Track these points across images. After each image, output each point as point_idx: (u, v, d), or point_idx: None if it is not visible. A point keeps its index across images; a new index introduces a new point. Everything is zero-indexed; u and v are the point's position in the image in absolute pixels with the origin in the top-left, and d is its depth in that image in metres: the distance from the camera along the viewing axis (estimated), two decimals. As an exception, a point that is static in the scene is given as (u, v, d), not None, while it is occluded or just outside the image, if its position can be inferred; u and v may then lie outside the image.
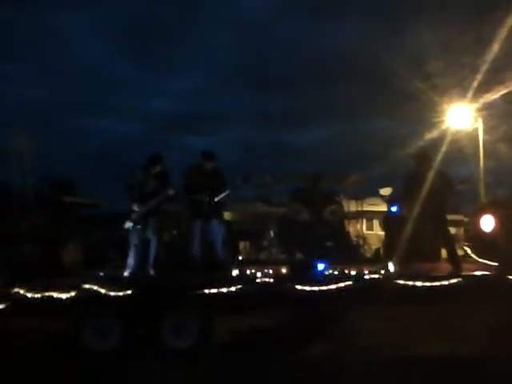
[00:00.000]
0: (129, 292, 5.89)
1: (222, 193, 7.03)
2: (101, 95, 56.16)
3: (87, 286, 5.92)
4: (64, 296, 5.84)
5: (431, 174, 6.65)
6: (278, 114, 50.76)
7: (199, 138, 49.53)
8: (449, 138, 12.69)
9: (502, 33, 11.37)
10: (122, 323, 5.93)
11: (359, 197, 9.43)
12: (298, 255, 7.95)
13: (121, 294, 5.87)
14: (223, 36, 56.32)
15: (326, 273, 6.58)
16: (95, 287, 5.91)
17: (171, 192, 6.79)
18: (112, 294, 5.87)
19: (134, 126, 50.55)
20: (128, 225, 6.70)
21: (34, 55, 51.03)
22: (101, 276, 6.77)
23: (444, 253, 7.35)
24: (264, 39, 47.86)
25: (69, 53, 51.42)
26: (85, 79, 52.16)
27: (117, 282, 6.17)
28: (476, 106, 15.04)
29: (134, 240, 6.74)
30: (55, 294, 5.85)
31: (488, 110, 15.07)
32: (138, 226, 6.72)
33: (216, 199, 7.00)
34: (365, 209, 12.41)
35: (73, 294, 5.84)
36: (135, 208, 6.71)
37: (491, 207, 7.60)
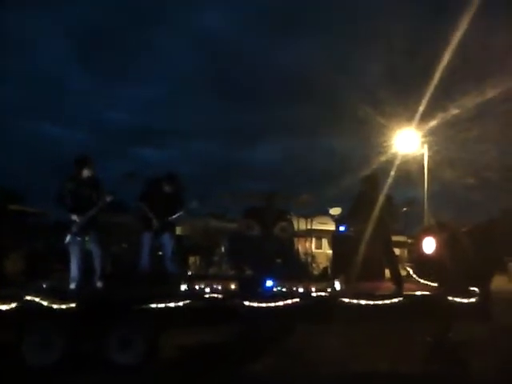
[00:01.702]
0: (73, 305, 5.74)
1: (176, 213, 7.06)
2: (56, 103, 54.67)
3: (29, 298, 5.74)
4: (4, 307, 5.63)
5: (378, 197, 6.90)
6: (235, 130, 51.08)
7: (155, 151, 49.08)
8: (397, 161, 13.23)
9: (444, 62, 12.02)
10: (65, 337, 5.78)
11: (309, 215, 9.61)
12: (248, 271, 7.99)
13: (64, 306, 5.72)
14: (184, 49, 56.38)
15: (275, 289, 6.64)
16: (37, 299, 5.73)
17: (109, 199, 6.57)
18: (55, 306, 5.70)
19: (88, 135, 49.43)
20: (68, 238, 6.49)
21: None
22: (44, 287, 6.56)
23: (388, 272, 7.60)
24: (225, 53, 48.21)
25: (26, 56, 49.99)
26: (38, 84, 50.75)
27: (61, 295, 5.99)
28: (422, 131, 15.77)
29: (74, 252, 6.50)
30: (-5, 305, 5.63)
31: (433, 136, 15.84)
32: (79, 238, 6.51)
33: (169, 218, 7.01)
34: (314, 227, 12.62)
35: (14, 305, 5.64)
36: (73, 219, 6.48)
37: (433, 230, 7.89)
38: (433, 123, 14.82)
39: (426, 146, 16.92)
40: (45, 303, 5.73)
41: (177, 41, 54.91)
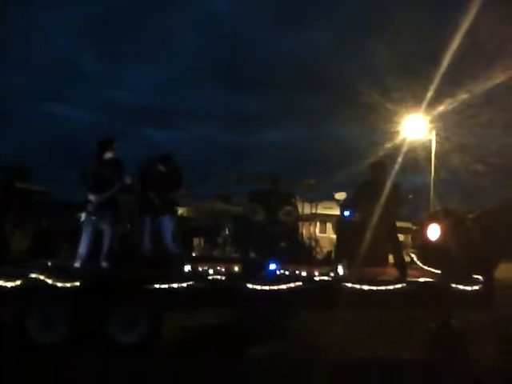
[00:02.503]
0: (77, 284, 5.77)
1: (174, 192, 7.03)
2: (64, 84, 54.69)
3: (34, 275, 5.77)
4: (9, 284, 5.67)
5: (385, 184, 6.85)
6: (242, 115, 50.94)
7: (161, 132, 49.05)
8: (404, 147, 13.11)
9: (453, 47, 11.83)
10: (69, 316, 5.82)
11: (314, 200, 9.58)
12: (252, 254, 8.01)
13: (68, 285, 5.75)
14: (192, 33, 55.98)
15: (278, 273, 6.66)
16: (42, 277, 5.77)
17: (128, 181, 6.66)
18: (59, 284, 5.74)
19: (97, 115, 49.56)
20: (83, 216, 6.53)
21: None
22: (49, 265, 6.61)
23: (391, 258, 7.59)
24: (234, 40, 47.88)
25: (34, 42, 49.80)
26: (49, 69, 50.65)
27: (66, 273, 6.02)
28: (430, 117, 15.63)
29: (87, 231, 6.57)
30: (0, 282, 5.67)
31: (441, 122, 15.69)
32: (94, 217, 6.56)
33: (168, 197, 6.98)
34: (319, 212, 12.61)
35: (18, 282, 5.68)
36: (91, 198, 6.55)
37: (439, 216, 7.84)
38: (441, 109, 14.68)
39: (433, 132, 16.78)
40: (49, 281, 5.75)
41: (188, 26, 54.45)
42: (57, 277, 5.82)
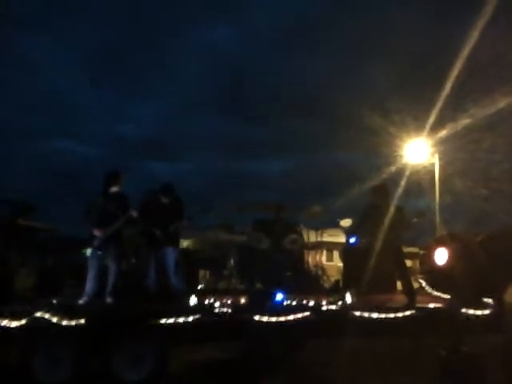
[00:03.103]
0: (82, 321, 5.71)
1: (176, 224, 7.01)
2: (65, 120, 55.55)
3: (39, 314, 5.72)
4: (14, 324, 5.62)
5: (389, 208, 6.83)
6: (242, 144, 51.39)
7: (163, 164, 49.41)
8: (407, 172, 13.12)
9: (455, 71, 11.97)
10: (75, 354, 5.74)
11: (319, 227, 9.55)
12: (258, 284, 7.94)
13: (73, 323, 5.69)
14: (192, 64, 56.96)
15: (285, 303, 6.58)
16: (47, 315, 5.71)
17: (134, 214, 6.66)
18: (64, 323, 5.68)
19: (98, 150, 50.03)
20: (89, 251, 6.53)
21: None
22: (54, 304, 6.56)
23: (399, 285, 7.50)
24: (234, 71, 48.71)
25: (35, 77, 50.92)
26: (50, 103, 51.62)
27: (70, 311, 5.96)
28: (432, 141, 15.69)
29: (94, 266, 6.56)
30: (4, 322, 5.62)
31: (443, 146, 15.75)
32: (99, 252, 6.55)
33: (170, 229, 6.95)
34: (325, 239, 12.53)
35: (23, 321, 5.63)
36: (96, 233, 6.54)
37: (446, 241, 7.79)
38: (443, 133, 14.74)
39: (436, 156, 16.81)
40: (54, 319, 5.70)
41: (187, 57, 55.57)
42: (61, 315, 5.76)
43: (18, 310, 5.92)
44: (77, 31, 53.95)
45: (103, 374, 5.76)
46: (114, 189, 6.73)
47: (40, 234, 11.04)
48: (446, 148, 15.98)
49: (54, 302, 6.63)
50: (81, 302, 6.44)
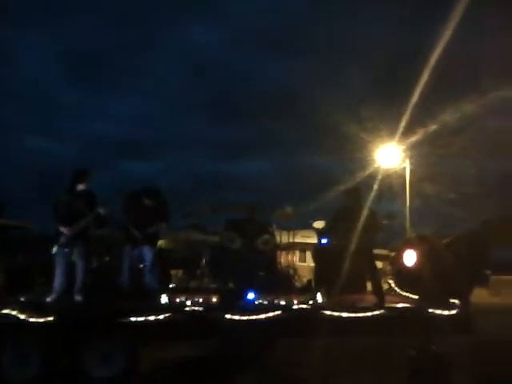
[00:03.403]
0: (50, 318, 5.64)
1: (156, 226, 7.00)
2: (44, 116, 54.53)
3: (6, 311, 5.62)
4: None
5: (361, 211, 6.95)
6: (224, 144, 51.37)
7: (143, 164, 48.93)
8: (379, 176, 13.34)
9: (424, 77, 12.24)
10: (43, 352, 5.66)
11: (292, 228, 9.64)
12: (230, 284, 7.96)
13: (41, 320, 5.61)
14: (172, 63, 56.69)
15: (256, 302, 6.62)
16: (14, 312, 5.62)
17: (101, 211, 6.61)
18: (32, 320, 5.59)
19: (73, 148, 49.22)
20: (55, 248, 6.46)
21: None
22: (22, 301, 6.46)
23: (369, 285, 7.62)
24: (210, 71, 48.65)
25: (13, 73, 49.84)
26: (27, 100, 50.59)
27: (39, 308, 5.89)
28: (403, 146, 16.03)
29: (61, 264, 6.48)
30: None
31: (414, 151, 16.10)
32: (66, 250, 6.48)
33: (149, 230, 6.93)
34: (298, 240, 12.63)
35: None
36: (62, 230, 6.48)
37: (414, 243, 7.95)
38: (414, 138, 15.08)
39: (407, 161, 17.15)
40: (22, 316, 5.61)
41: (165, 57, 55.30)
42: (30, 312, 5.68)
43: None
44: (54, 26, 53.07)
45: (73, 371, 5.70)
46: (81, 186, 6.65)
47: (11, 232, 10.85)
48: (417, 153, 16.35)
49: (22, 299, 6.54)
50: (49, 299, 6.36)
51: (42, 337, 5.65)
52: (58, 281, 6.44)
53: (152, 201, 6.99)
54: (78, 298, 6.48)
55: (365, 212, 6.95)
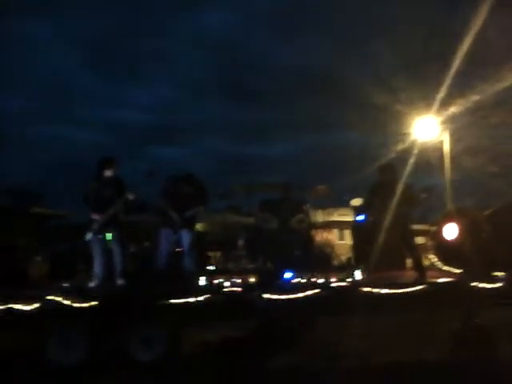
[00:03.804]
0: (94, 303, 5.77)
1: (194, 210, 7.03)
2: (72, 106, 55.73)
3: (50, 298, 5.79)
4: (27, 308, 5.70)
5: (396, 185, 6.79)
6: (250, 127, 51.23)
7: (168, 149, 49.50)
8: (416, 149, 12.97)
9: (464, 47, 11.74)
10: (88, 336, 5.81)
11: (328, 207, 9.56)
12: (267, 264, 7.97)
13: (85, 305, 5.75)
14: (193, 48, 56.74)
15: (294, 281, 6.61)
16: (59, 298, 5.79)
17: (131, 197, 6.69)
18: (76, 305, 5.74)
19: (107, 137, 50.17)
20: (89, 235, 6.60)
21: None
22: (66, 287, 6.66)
23: (409, 261, 7.49)
24: (235, 53, 48.35)
25: (35, 63, 50.94)
26: (51, 89, 51.71)
27: (82, 294, 6.04)
28: (441, 118, 15.46)
29: (97, 250, 6.63)
30: (18, 306, 5.70)
31: (453, 123, 15.53)
32: (100, 236, 6.62)
33: (187, 214, 6.97)
34: (336, 219, 12.56)
35: (36, 305, 5.70)
36: (94, 217, 6.60)
37: (455, 216, 7.76)
38: (453, 110, 14.51)
39: (446, 133, 16.60)
40: (66, 302, 5.76)
41: (187, 41, 55.33)
42: (73, 297, 5.84)
43: (31, 295, 6.00)
44: (76, 16, 53.82)
45: (117, 355, 5.83)
46: (108, 173, 6.73)
47: (51, 221, 11.22)
48: (456, 125, 15.76)
49: (66, 285, 6.74)
50: (92, 284, 6.53)
51: (87, 321, 5.79)
52: (97, 267, 6.60)
53: (191, 187, 7.02)
54: (120, 282, 6.63)
55: (400, 186, 6.79)
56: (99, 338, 5.85)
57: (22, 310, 5.68)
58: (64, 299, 5.78)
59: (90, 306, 5.76)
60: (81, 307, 5.74)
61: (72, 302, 5.76)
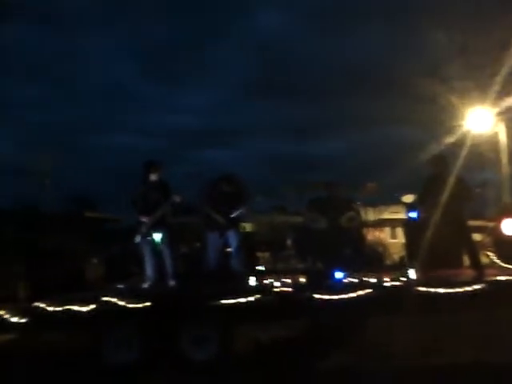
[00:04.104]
0: (147, 304, 5.89)
1: (238, 210, 7.07)
2: (122, 113, 57.50)
3: (106, 299, 5.96)
4: (84, 309, 5.88)
5: (448, 179, 6.55)
6: (298, 127, 51.04)
7: (221, 152, 50.16)
8: (468, 142, 12.44)
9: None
10: (141, 335, 5.93)
11: (378, 204, 9.34)
12: (317, 264, 7.87)
13: (140, 305, 5.88)
14: (243, 50, 57.20)
15: (345, 281, 6.50)
16: (114, 299, 5.94)
17: (177, 199, 6.79)
18: (130, 306, 5.88)
19: (158, 142, 51.45)
20: (137, 238, 6.73)
21: (57, 77, 52.62)
22: (120, 289, 6.84)
23: (466, 259, 7.19)
24: (283, 52, 48.33)
25: (90, 74, 52.87)
26: (107, 99, 53.54)
27: (136, 294, 6.18)
28: (497, 109, 14.78)
29: (146, 252, 6.79)
30: (75, 307, 5.89)
31: (509, 114, 14.82)
32: (148, 238, 6.74)
33: (232, 215, 7.02)
34: (387, 217, 12.27)
35: (91, 306, 5.87)
36: (143, 220, 6.72)
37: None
38: (509, 101, 13.86)
39: (501, 125, 15.86)
40: (121, 303, 5.91)
41: (237, 42, 55.86)
42: (128, 299, 5.97)
43: (87, 296, 6.20)
44: (129, 27, 55.43)
45: (172, 355, 5.91)
46: (153, 177, 6.83)
47: (106, 225, 11.57)
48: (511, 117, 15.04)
49: (120, 287, 6.92)
50: (145, 285, 6.67)
51: (141, 321, 5.90)
52: (148, 268, 6.76)
53: (230, 186, 7.05)
54: (172, 283, 6.74)
55: (453, 180, 6.54)
56: (152, 338, 5.94)
57: (79, 311, 5.87)
58: (119, 300, 5.93)
59: (144, 307, 5.88)
60: (134, 308, 5.88)
61: (126, 303, 5.90)
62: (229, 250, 7.24)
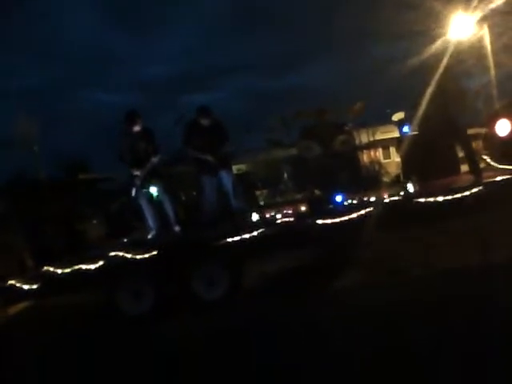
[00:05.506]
0: (155, 252, 5.93)
1: (222, 145, 6.94)
2: (101, 70, 55.88)
3: (113, 254, 5.99)
4: (93, 266, 5.93)
5: (442, 83, 6.38)
6: (276, 58, 49.74)
7: (202, 95, 49.28)
8: (453, 49, 12.10)
9: None
10: (154, 284, 6.01)
11: (370, 125, 9.23)
12: (315, 192, 7.89)
13: (147, 255, 5.91)
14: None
15: (345, 203, 6.53)
16: (121, 253, 5.98)
17: (155, 160, 6.73)
18: (139, 256, 5.91)
19: (133, 94, 50.34)
20: (133, 191, 6.69)
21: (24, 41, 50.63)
22: (125, 242, 6.87)
23: (462, 165, 7.20)
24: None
25: (54, 29, 50.72)
26: (72, 55, 51.69)
27: (142, 246, 6.19)
28: (480, 14, 14.30)
29: (144, 204, 6.77)
30: (84, 266, 5.92)
31: (492, 19, 14.39)
32: (144, 190, 6.73)
33: (219, 153, 6.91)
34: (379, 137, 12.19)
35: (101, 263, 5.91)
36: (135, 173, 6.65)
37: (505, 111, 7.35)
38: (492, 5, 13.41)
39: (486, 29, 15.41)
40: (129, 255, 5.95)
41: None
42: (135, 250, 6.00)
43: (93, 254, 6.24)
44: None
45: (185, 298, 6.01)
46: (137, 127, 6.66)
47: (100, 184, 11.50)
48: (496, 21, 14.58)
49: (126, 240, 6.95)
50: (149, 236, 6.70)
51: (151, 270, 5.95)
52: (149, 220, 6.77)
53: (208, 119, 6.87)
54: (176, 229, 6.78)
55: (447, 83, 6.39)
56: (164, 284, 6.03)
57: (89, 269, 5.91)
58: (126, 253, 5.96)
59: (152, 255, 5.92)
60: (143, 258, 5.91)
61: (134, 255, 5.93)
62: (224, 190, 7.19)
